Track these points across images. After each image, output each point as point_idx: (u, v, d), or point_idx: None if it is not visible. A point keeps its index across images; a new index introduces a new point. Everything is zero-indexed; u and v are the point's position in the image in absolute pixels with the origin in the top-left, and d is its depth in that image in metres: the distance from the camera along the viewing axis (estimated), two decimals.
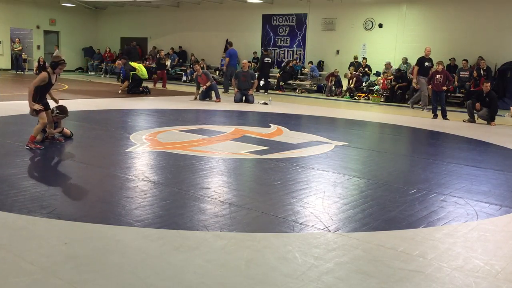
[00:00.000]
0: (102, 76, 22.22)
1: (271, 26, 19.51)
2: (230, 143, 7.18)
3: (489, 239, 3.64)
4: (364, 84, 16.43)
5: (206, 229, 3.58)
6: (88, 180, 4.97)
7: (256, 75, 14.17)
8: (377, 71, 16.57)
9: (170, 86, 17.85)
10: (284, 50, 19.33)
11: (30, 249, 3.09)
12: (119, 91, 14.34)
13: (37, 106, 6.21)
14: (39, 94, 6.30)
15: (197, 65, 13.71)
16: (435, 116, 11.62)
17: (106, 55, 22.93)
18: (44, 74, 6.31)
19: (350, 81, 16.34)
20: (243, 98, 13.37)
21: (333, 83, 16.73)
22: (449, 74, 11.95)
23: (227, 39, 17.88)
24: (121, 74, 15.09)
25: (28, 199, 4.09)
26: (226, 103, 12.98)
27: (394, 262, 3.12)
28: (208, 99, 13.50)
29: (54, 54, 21.48)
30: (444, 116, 11.51)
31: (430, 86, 11.97)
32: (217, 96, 13.42)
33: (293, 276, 2.87)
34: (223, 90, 15.94)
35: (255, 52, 19.41)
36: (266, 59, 17.39)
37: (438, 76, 11.55)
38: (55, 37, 24.63)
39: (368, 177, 5.41)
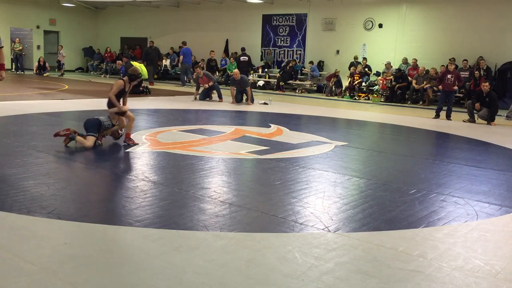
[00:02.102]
0: (103, 76, 22.22)
1: (271, 26, 19.51)
2: (230, 143, 7.18)
3: (489, 239, 3.64)
4: (364, 84, 16.44)
5: (206, 229, 3.58)
6: (88, 180, 4.97)
7: (249, 82, 14.25)
8: (377, 71, 16.58)
9: (169, 87, 17.84)
10: (284, 50, 19.33)
11: (30, 249, 3.09)
12: None
13: (125, 108, 6.67)
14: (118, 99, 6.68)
15: (198, 68, 13.72)
16: (437, 116, 11.59)
17: (106, 55, 22.94)
18: (121, 82, 6.63)
19: (352, 80, 16.31)
20: (243, 97, 13.36)
21: (333, 83, 16.74)
22: (460, 74, 11.90)
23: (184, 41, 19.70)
24: (121, 74, 15.10)
25: (28, 199, 4.09)
26: (226, 103, 12.98)
27: (394, 262, 3.12)
28: (208, 99, 13.50)
29: (62, 53, 21.46)
30: (448, 116, 11.50)
31: (440, 86, 11.90)
32: (220, 96, 13.42)
33: (293, 276, 2.87)
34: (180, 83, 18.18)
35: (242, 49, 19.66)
36: (242, 57, 18.03)
37: (449, 76, 11.50)
38: (55, 37, 24.64)
39: (368, 177, 5.41)
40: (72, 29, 24.67)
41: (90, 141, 6.33)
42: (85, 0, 23.01)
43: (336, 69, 16.87)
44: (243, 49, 18.84)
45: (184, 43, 19.15)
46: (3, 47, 6.19)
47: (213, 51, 18.94)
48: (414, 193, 4.78)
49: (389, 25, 16.59)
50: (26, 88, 14.52)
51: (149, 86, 16.41)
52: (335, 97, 16.41)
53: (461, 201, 4.59)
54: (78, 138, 6.31)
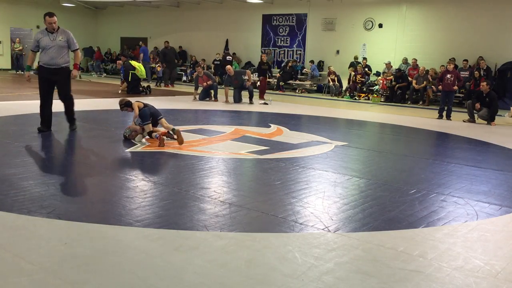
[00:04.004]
0: (103, 75, 22.24)
1: (271, 26, 19.52)
2: (230, 143, 7.17)
3: (489, 239, 3.64)
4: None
5: (206, 229, 3.58)
6: (88, 180, 4.97)
7: (246, 70, 14.34)
8: (377, 71, 16.58)
9: (170, 86, 17.81)
10: (284, 50, 19.34)
11: (30, 249, 3.09)
12: (119, 91, 14.34)
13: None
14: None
15: (199, 68, 13.73)
16: (440, 116, 11.58)
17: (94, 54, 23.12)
18: (136, 107, 7.14)
19: (353, 79, 16.31)
20: (241, 95, 13.37)
21: (335, 82, 16.75)
22: (460, 74, 11.89)
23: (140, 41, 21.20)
24: (121, 74, 15.11)
25: (28, 199, 4.09)
26: (226, 103, 12.97)
27: (394, 262, 3.12)
28: (207, 99, 13.51)
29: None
30: (448, 117, 11.51)
31: (440, 87, 11.90)
32: (215, 96, 13.47)
33: (293, 276, 2.87)
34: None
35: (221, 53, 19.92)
36: (228, 57, 18.85)
37: (449, 76, 11.48)
38: None
39: (368, 177, 5.41)
40: (72, 29, 24.23)
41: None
42: (85, 0, 23.01)
43: (329, 66, 16.89)
44: (226, 49, 19.48)
45: (142, 42, 20.78)
46: (78, 49, 7.48)
47: (264, 54, 17.15)
48: (414, 193, 4.78)
49: (389, 25, 16.59)
50: (26, 88, 14.52)
51: (168, 88, 16.95)
52: (335, 97, 16.42)
53: (461, 201, 4.59)
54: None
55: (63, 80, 7.35)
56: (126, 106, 7.23)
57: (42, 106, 7.43)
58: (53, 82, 7.35)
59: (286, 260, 3.08)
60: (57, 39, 7.22)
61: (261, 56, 16.05)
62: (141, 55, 19.54)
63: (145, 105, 7.29)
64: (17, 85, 15.54)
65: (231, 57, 19.22)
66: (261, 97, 14.49)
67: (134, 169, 5.43)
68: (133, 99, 7.61)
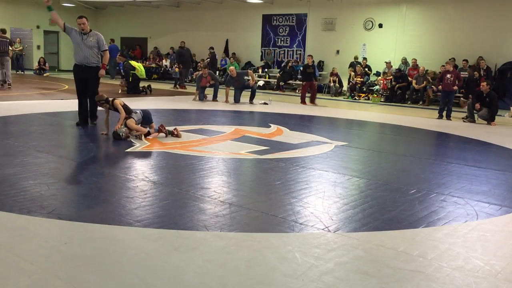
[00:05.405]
0: None
1: (271, 26, 19.52)
2: (230, 143, 7.17)
3: (489, 239, 3.64)
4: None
5: (206, 229, 3.58)
6: (88, 180, 4.97)
7: (248, 71, 14.32)
8: (377, 71, 16.58)
9: (170, 86, 17.80)
10: (284, 50, 19.34)
11: (30, 249, 3.09)
12: (119, 91, 14.34)
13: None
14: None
15: (206, 69, 13.68)
16: (440, 116, 11.59)
17: None
18: (121, 107, 7.38)
19: (353, 79, 16.31)
20: (241, 96, 13.37)
21: (336, 83, 16.75)
22: (460, 74, 11.90)
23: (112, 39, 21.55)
24: (121, 70, 15.09)
25: (28, 199, 4.09)
26: (226, 103, 12.97)
27: (394, 262, 3.12)
28: (204, 99, 13.52)
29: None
30: (448, 117, 11.51)
31: (440, 87, 11.91)
32: (215, 96, 13.48)
33: (293, 276, 2.87)
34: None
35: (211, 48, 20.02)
36: (217, 56, 19.48)
37: (448, 76, 11.50)
38: (55, 37, 24.63)
39: (368, 177, 5.41)
40: None
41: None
42: (85, 0, 23.02)
43: (333, 68, 16.89)
44: (211, 48, 19.61)
45: (112, 40, 21.22)
46: (106, 50, 8.11)
47: (310, 56, 14.67)
48: (414, 193, 4.78)
49: (389, 25, 16.60)
50: (26, 88, 14.53)
51: (180, 89, 16.74)
52: (335, 97, 16.42)
53: (461, 201, 4.59)
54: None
55: (91, 78, 8.01)
56: (106, 102, 7.39)
57: (78, 102, 8.20)
58: (84, 79, 8.03)
59: (286, 260, 3.08)
60: (88, 40, 7.89)
61: (307, 59, 14.59)
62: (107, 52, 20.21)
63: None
64: (17, 85, 15.54)
65: (217, 56, 19.60)
66: (303, 101, 13.79)
67: (134, 169, 5.43)
68: (133, 99, 7.61)
